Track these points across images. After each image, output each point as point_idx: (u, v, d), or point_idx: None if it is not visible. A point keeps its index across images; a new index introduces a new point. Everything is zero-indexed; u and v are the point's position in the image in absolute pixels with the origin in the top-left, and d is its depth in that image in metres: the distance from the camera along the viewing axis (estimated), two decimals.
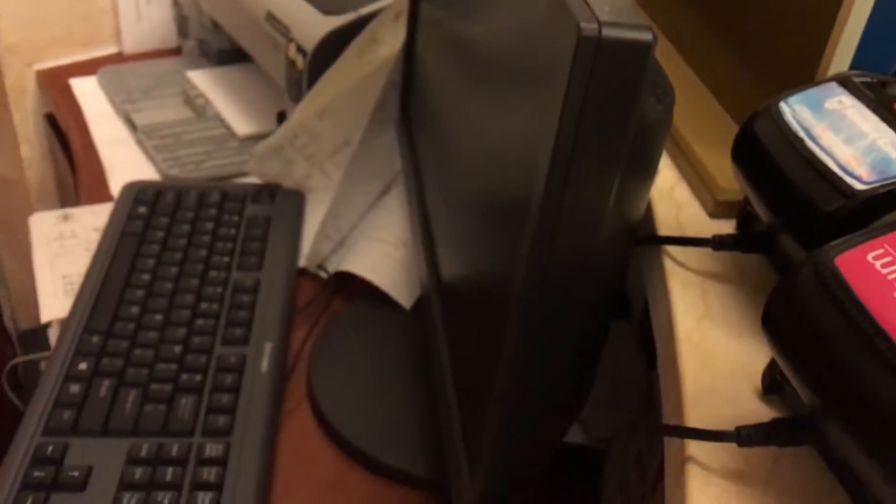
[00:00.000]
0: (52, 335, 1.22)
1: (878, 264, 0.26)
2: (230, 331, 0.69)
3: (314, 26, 0.84)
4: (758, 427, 0.27)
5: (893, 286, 0.25)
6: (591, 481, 0.60)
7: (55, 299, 0.74)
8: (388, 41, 0.86)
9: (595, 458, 0.61)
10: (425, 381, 0.70)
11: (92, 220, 0.83)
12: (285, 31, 0.86)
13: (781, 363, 0.26)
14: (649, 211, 0.38)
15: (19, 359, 1.21)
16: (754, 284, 0.34)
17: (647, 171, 0.34)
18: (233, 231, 0.79)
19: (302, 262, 0.79)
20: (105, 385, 0.63)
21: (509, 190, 0.39)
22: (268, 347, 0.68)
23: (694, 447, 0.27)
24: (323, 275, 0.80)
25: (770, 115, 0.32)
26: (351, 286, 0.77)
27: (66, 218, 0.83)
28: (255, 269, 0.76)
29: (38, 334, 1.28)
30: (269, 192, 0.85)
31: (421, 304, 0.65)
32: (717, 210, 0.37)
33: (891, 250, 0.26)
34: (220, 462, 0.58)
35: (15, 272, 1.30)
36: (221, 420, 0.61)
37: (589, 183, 0.32)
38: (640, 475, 0.53)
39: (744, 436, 0.27)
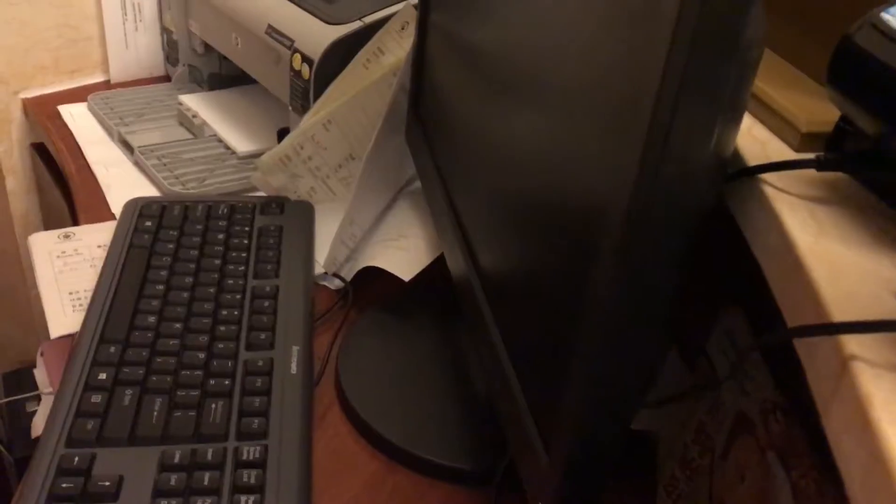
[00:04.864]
0: (39, 375, 1.17)
1: None
2: (254, 335, 0.66)
3: (319, 36, 0.83)
4: None
5: None
6: (642, 465, 0.59)
7: (63, 315, 0.71)
8: (394, 51, 0.86)
9: (643, 442, 0.60)
10: (455, 375, 0.67)
11: (94, 238, 0.80)
12: (289, 43, 0.85)
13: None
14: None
15: (3, 399, 1.16)
16: (858, 205, 0.33)
17: (740, 109, 0.34)
18: (245, 241, 0.77)
19: (322, 266, 0.77)
20: (128, 394, 0.60)
21: (589, 146, 0.38)
22: (295, 350, 0.66)
23: (854, 345, 0.26)
24: (338, 283, 0.78)
25: (872, 25, 0.31)
26: (363, 299, 0.75)
27: (66, 236, 0.80)
28: (273, 277, 0.73)
29: (20, 376, 1.23)
30: (278, 203, 0.83)
31: (458, 297, 0.63)
32: (804, 142, 0.37)
33: None
34: (260, 465, 0.55)
35: None
36: (256, 423, 0.58)
37: (695, 119, 0.31)
38: (704, 448, 0.52)
39: None
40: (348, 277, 0.77)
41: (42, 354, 1.19)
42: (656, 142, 0.31)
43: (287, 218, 0.81)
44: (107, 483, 0.53)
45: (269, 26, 0.88)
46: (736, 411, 0.48)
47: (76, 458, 0.55)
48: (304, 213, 0.83)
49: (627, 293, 0.36)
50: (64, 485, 0.53)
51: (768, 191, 0.34)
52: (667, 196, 0.33)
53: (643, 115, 0.32)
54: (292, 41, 0.85)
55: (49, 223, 1.13)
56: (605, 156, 0.36)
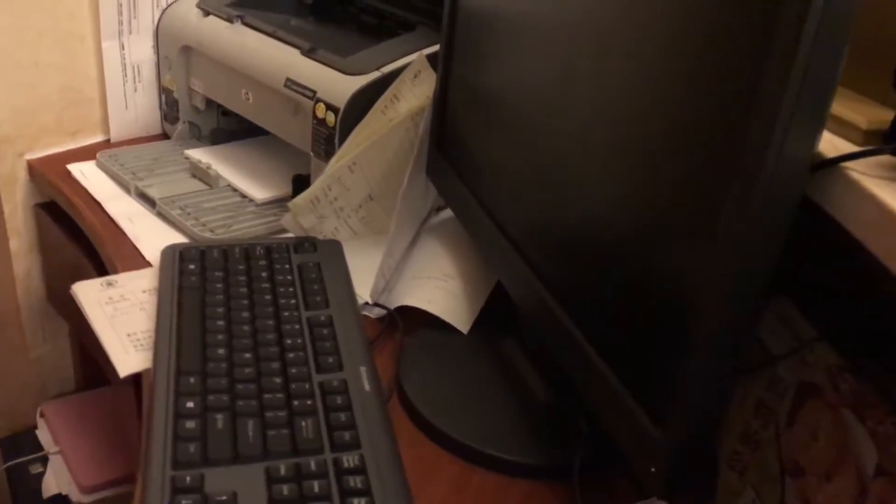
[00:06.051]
0: (42, 435, 1.16)
1: None
2: (322, 359, 0.70)
3: (342, 86, 0.89)
4: None
5: None
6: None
7: (126, 354, 0.73)
8: (408, 98, 0.93)
9: None
10: (511, 382, 0.73)
11: (137, 284, 0.83)
12: (311, 94, 0.91)
13: None
14: None
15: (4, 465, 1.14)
16: None
17: (828, 113, 0.41)
18: (289, 277, 0.81)
19: (367, 297, 0.82)
20: (219, 418, 0.63)
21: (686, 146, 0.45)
22: (363, 370, 0.70)
23: None
24: (378, 311, 0.83)
25: None
26: (407, 322, 0.81)
27: (109, 284, 0.82)
28: (324, 307, 0.78)
29: (18, 440, 1.21)
30: (310, 242, 0.87)
31: (524, 311, 0.69)
32: (866, 138, 0.45)
33: None
34: (361, 471, 0.59)
35: None
36: (347, 435, 0.62)
37: (806, 126, 0.38)
38: (764, 421, 0.59)
39: None
40: (392, 305, 0.82)
41: (42, 415, 1.19)
42: (773, 148, 0.39)
43: (321, 255, 0.86)
44: (224, 497, 0.56)
45: (288, 79, 0.93)
46: (798, 382, 0.55)
47: (188, 478, 0.58)
48: (336, 251, 0.88)
49: (743, 276, 0.43)
50: (183, 502, 0.56)
51: (854, 175, 0.41)
52: (777, 193, 0.40)
53: (761, 131, 0.39)
54: (314, 91, 0.90)
55: (52, 281, 1.14)
56: (710, 161, 0.43)
